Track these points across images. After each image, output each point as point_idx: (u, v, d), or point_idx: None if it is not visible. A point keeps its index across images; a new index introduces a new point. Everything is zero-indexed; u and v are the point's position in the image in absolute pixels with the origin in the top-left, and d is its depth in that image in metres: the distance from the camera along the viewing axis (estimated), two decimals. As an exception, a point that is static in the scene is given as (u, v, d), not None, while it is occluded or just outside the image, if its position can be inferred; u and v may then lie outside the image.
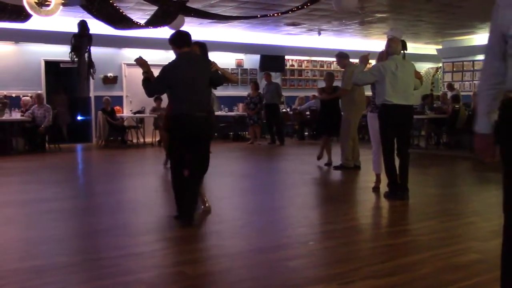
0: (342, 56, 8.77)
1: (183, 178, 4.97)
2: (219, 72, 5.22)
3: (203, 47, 5.40)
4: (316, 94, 9.67)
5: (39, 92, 12.45)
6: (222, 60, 15.08)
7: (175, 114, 5.02)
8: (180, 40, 5.00)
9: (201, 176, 5.12)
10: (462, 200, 6.62)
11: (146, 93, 5.06)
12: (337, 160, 8.78)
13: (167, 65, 4.99)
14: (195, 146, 4.93)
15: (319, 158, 9.18)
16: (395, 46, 6.17)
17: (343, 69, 8.97)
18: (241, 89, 15.77)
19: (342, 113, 8.78)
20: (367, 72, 6.40)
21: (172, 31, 10.02)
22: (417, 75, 6.40)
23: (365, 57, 6.50)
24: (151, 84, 4.99)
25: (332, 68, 17.31)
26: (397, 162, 6.18)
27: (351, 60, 8.83)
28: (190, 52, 5.04)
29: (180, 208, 4.96)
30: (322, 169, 8.85)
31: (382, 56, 6.42)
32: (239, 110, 14.83)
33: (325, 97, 9.01)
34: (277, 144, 13.43)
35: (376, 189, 6.61)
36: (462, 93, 14.14)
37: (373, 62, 7.09)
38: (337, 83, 9.52)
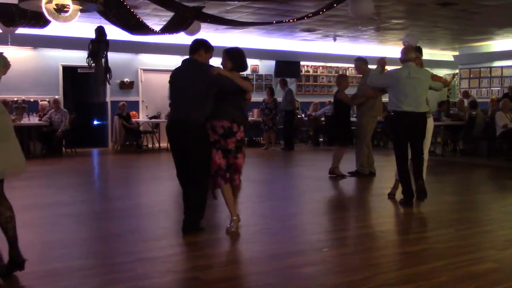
0: (363, 61, 8.72)
1: (184, 186, 4.90)
2: (223, 76, 4.74)
3: (230, 55, 4.98)
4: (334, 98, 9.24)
5: (56, 97, 12.60)
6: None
7: (169, 121, 5.05)
8: (190, 48, 4.95)
9: (199, 185, 4.82)
10: (479, 208, 6.55)
11: None
12: (351, 166, 8.73)
13: None
14: (188, 155, 4.80)
15: (336, 173, 8.61)
16: (408, 53, 6.21)
17: (360, 75, 8.91)
18: (256, 95, 15.73)
19: (356, 118, 8.69)
20: (380, 76, 6.47)
21: (188, 37, 10.14)
22: (436, 78, 6.37)
23: (382, 60, 6.54)
24: None
25: (347, 74, 17.28)
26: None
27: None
28: (189, 60, 4.93)
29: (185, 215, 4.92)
30: (336, 175, 8.79)
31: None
32: (254, 115, 14.84)
33: (339, 95, 8.69)
34: (282, 149, 13.56)
35: (391, 196, 6.56)
36: (479, 100, 14.00)
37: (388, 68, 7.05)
38: (351, 89, 9.41)
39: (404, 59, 6.20)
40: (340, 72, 17.52)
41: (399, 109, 6.07)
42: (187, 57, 4.96)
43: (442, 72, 19.32)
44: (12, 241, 3.65)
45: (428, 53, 17.36)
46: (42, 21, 7.92)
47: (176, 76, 4.93)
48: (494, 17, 12.04)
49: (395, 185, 6.60)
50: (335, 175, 8.51)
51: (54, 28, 10.05)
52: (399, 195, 6.37)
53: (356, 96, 8.65)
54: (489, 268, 3.89)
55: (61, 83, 13.42)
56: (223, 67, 4.92)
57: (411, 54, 6.21)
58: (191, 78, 4.80)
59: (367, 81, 6.66)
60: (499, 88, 16.54)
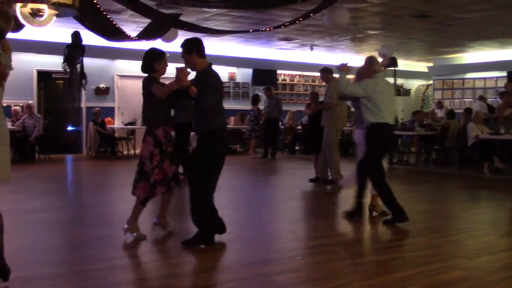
0: (327, 71, 8.85)
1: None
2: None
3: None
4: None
5: (29, 102, 12.43)
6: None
7: (223, 128, 4.96)
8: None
9: (192, 190, 4.73)
10: (450, 217, 6.65)
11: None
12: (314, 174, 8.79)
13: None
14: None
15: (321, 179, 8.86)
16: (378, 64, 6.10)
17: (326, 85, 9.08)
18: (233, 103, 15.85)
19: (324, 129, 8.72)
20: (357, 84, 6.05)
21: (165, 44, 10.10)
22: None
23: (344, 66, 6.07)
24: None
25: (323, 83, 17.42)
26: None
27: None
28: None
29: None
30: (312, 183, 8.85)
31: (361, 73, 6.17)
32: (231, 123, 14.85)
33: (311, 109, 9.04)
34: (269, 158, 13.45)
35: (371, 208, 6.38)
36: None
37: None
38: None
39: (377, 70, 6.02)
40: (317, 81, 17.67)
41: (382, 120, 5.83)
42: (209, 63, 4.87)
43: (416, 83, 19.68)
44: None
45: (404, 64, 17.64)
46: (16, 25, 7.82)
47: (219, 80, 4.86)
48: (467, 30, 12.31)
49: (373, 198, 6.32)
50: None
51: (29, 32, 9.92)
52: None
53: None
54: (459, 276, 3.96)
55: (35, 88, 13.25)
56: None
57: (380, 65, 6.14)
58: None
59: (340, 87, 6.18)
60: (471, 99, 16.88)
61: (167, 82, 4.77)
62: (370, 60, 6.10)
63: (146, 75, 4.94)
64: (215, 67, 4.95)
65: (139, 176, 4.90)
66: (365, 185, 6.04)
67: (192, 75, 4.57)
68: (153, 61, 4.89)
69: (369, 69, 6.04)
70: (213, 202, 4.75)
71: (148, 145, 4.84)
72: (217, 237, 4.78)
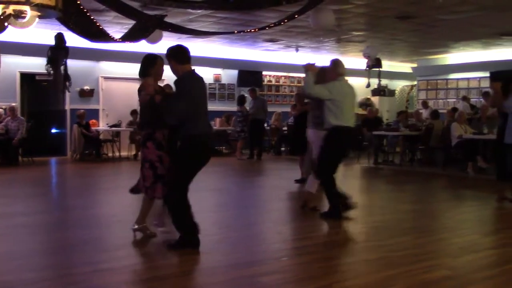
0: None
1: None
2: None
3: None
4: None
5: (12, 104, 12.29)
6: (200, 74, 15.19)
7: (206, 134, 4.87)
8: (189, 57, 4.86)
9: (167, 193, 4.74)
10: (434, 216, 6.70)
11: None
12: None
13: None
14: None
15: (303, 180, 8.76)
16: (343, 67, 6.08)
17: None
18: (218, 104, 15.84)
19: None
20: (323, 86, 5.95)
21: (150, 45, 10.05)
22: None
23: (311, 66, 5.99)
24: None
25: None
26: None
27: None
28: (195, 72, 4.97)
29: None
30: (298, 184, 8.86)
31: (325, 75, 6.13)
32: (216, 125, 14.82)
33: (297, 110, 9.10)
34: (255, 159, 13.44)
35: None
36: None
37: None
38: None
39: (341, 73, 6.03)
40: (302, 83, 17.68)
41: (345, 123, 5.91)
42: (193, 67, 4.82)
43: (401, 84, 19.82)
44: None
45: (388, 65, 17.75)
46: (-2, 27, 7.72)
47: (200, 85, 4.81)
48: (450, 31, 12.42)
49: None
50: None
51: (12, 34, 9.81)
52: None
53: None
54: (443, 275, 3.99)
55: (18, 90, 13.12)
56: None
57: (344, 68, 6.10)
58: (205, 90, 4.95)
59: (307, 89, 6.00)
60: (455, 99, 17.04)
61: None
62: (335, 63, 6.09)
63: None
64: (200, 69, 4.95)
65: (155, 179, 4.88)
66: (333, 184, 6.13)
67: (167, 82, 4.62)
68: (147, 67, 4.96)
69: (334, 71, 6.05)
70: (190, 205, 4.69)
71: (151, 150, 4.89)
72: (205, 240, 4.76)
